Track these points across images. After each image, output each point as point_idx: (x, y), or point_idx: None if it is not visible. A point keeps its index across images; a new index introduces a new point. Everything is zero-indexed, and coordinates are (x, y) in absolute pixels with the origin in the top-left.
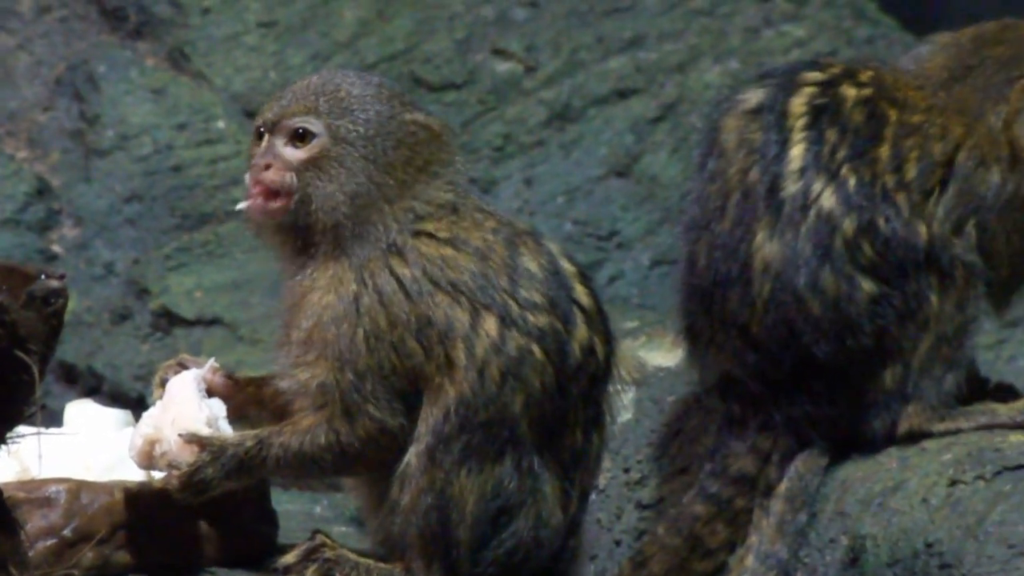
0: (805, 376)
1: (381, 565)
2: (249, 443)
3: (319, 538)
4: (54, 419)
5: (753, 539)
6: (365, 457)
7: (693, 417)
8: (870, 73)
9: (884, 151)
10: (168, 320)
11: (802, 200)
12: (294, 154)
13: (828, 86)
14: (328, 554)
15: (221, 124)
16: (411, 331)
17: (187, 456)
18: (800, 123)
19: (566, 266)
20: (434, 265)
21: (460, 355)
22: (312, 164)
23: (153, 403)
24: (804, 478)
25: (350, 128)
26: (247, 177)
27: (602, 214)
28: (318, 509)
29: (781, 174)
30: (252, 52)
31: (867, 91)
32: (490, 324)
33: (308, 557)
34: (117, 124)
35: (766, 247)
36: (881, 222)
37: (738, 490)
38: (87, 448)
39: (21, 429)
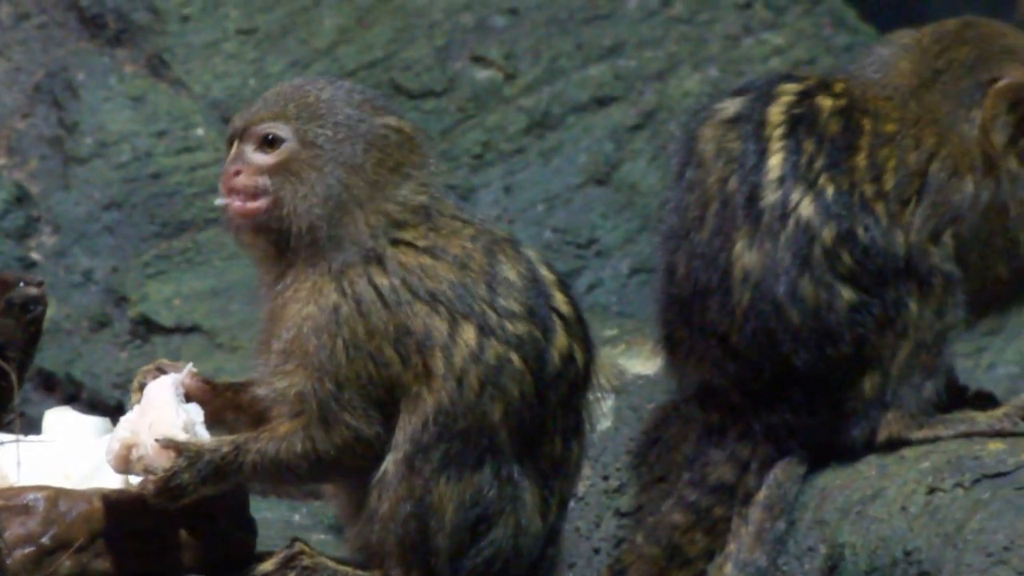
0: (784, 385)
1: (360, 573)
2: (226, 449)
3: (298, 546)
4: (33, 426)
5: (732, 547)
6: (341, 465)
7: (672, 425)
8: (842, 84)
9: (861, 160)
10: (147, 327)
11: (781, 209)
12: (264, 159)
13: (805, 96)
14: (307, 562)
15: (200, 131)
16: (389, 340)
17: (163, 461)
18: (778, 132)
19: (545, 274)
20: (413, 275)
21: (438, 364)
22: (282, 168)
23: (131, 407)
24: (783, 486)
25: (319, 132)
26: (220, 184)
27: (581, 222)
28: (297, 517)
29: (760, 183)
30: (231, 59)
31: (842, 101)
32: (468, 333)
33: (287, 565)
34: (96, 131)
35: (745, 256)
36: (860, 231)
37: (717, 499)
38: (66, 456)
39: None
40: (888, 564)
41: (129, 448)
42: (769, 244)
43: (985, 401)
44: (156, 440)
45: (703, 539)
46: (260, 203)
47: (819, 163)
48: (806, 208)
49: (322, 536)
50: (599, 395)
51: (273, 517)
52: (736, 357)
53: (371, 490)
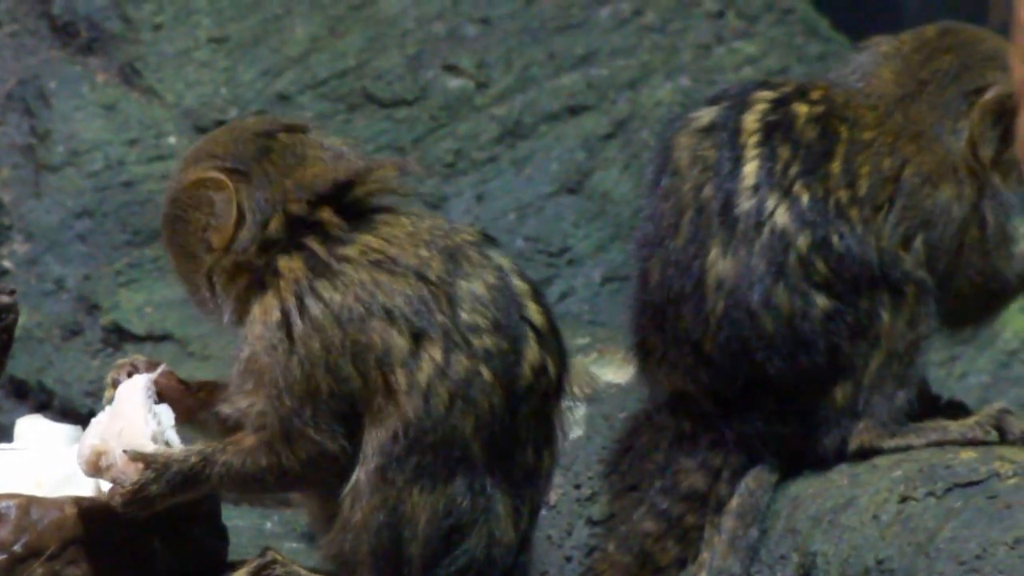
0: (756, 393)
1: None
2: (193, 460)
3: (270, 554)
4: (4, 434)
5: (705, 555)
6: (306, 479)
7: (644, 434)
8: (820, 91)
9: (836, 167)
10: (119, 336)
11: (756, 217)
12: None
13: (780, 103)
14: (279, 571)
15: (172, 140)
16: (346, 356)
17: (132, 474)
18: (753, 140)
19: (517, 283)
20: (365, 291)
21: (401, 380)
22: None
23: (106, 400)
24: (755, 494)
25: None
26: None
27: (553, 230)
28: (269, 525)
29: (735, 191)
30: (203, 68)
31: (819, 108)
32: (432, 349)
33: (259, 573)
34: (68, 140)
35: (720, 264)
36: (835, 239)
37: (688, 507)
38: (38, 463)
39: None
40: (860, 573)
41: (99, 455)
42: (744, 252)
43: (957, 410)
44: (124, 451)
45: (675, 547)
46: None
47: (794, 170)
48: (781, 216)
49: (294, 544)
50: (571, 404)
51: (244, 525)
52: (709, 365)
53: (343, 499)
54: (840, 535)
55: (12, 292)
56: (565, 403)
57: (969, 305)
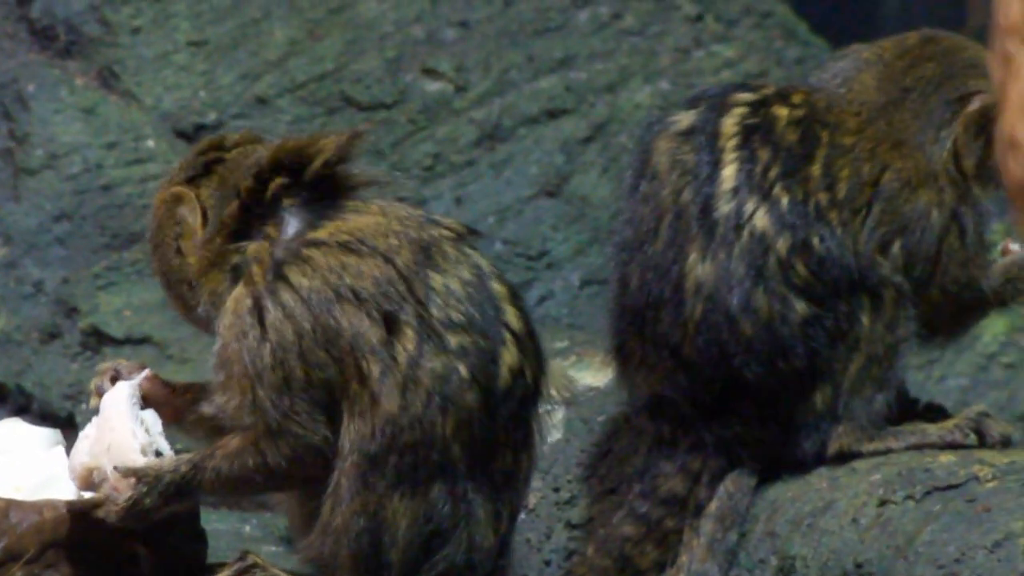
0: (735, 397)
1: None
2: (184, 468)
3: (250, 558)
4: None
5: (684, 559)
6: (293, 475)
7: (623, 437)
8: (801, 95)
9: (816, 170)
10: (97, 339)
11: (735, 220)
12: None
13: (759, 106)
14: (258, 574)
15: (151, 143)
16: (319, 342)
17: (125, 489)
18: (732, 143)
19: (496, 286)
20: (333, 274)
21: (373, 368)
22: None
23: (90, 408)
24: (734, 498)
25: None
26: None
27: (532, 234)
28: (247, 528)
29: (714, 194)
30: (182, 71)
31: (799, 112)
32: (405, 340)
33: None
34: (46, 143)
35: (699, 268)
36: (815, 241)
37: (667, 510)
38: (16, 467)
39: None
40: None
41: (91, 471)
42: (723, 255)
43: (936, 414)
44: (115, 468)
45: (654, 551)
46: None
47: (774, 172)
48: (761, 219)
49: (273, 548)
50: (550, 407)
51: (224, 528)
52: (688, 369)
53: (324, 502)
54: (819, 538)
55: None
56: (543, 407)
57: (943, 315)
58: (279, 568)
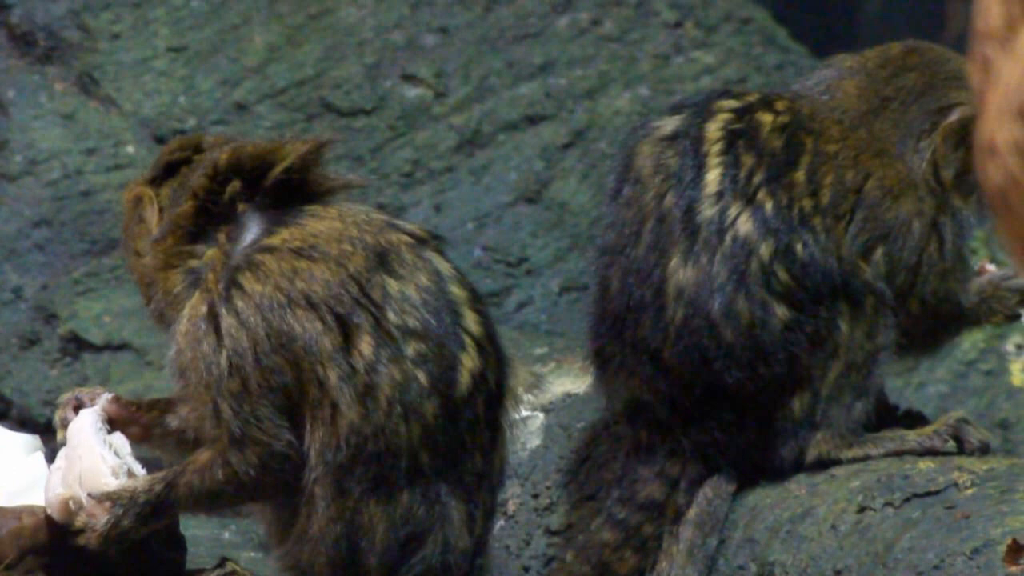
0: (714, 403)
1: None
2: (158, 488)
3: (229, 565)
4: None
5: (663, 565)
6: (264, 484)
7: (602, 443)
8: (785, 102)
9: (800, 176)
10: (77, 345)
11: (718, 224)
12: None
13: (744, 112)
14: None
15: (130, 149)
16: (274, 347)
17: (102, 515)
18: (716, 148)
19: (455, 291)
20: (284, 279)
21: (331, 375)
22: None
23: (59, 443)
24: (713, 504)
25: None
26: None
27: (511, 240)
28: (227, 535)
29: (697, 198)
30: (161, 77)
31: (784, 118)
32: (362, 345)
33: None
34: (26, 149)
35: (680, 272)
36: (799, 247)
37: (646, 516)
38: None
39: None
40: None
41: (66, 501)
42: (705, 260)
43: (915, 420)
44: (90, 495)
45: (633, 557)
46: None
47: (758, 177)
48: (744, 223)
49: (252, 554)
50: (527, 413)
51: (203, 535)
52: (667, 373)
53: (300, 509)
54: (798, 545)
55: None
56: (511, 407)
57: (920, 327)
58: (258, 575)
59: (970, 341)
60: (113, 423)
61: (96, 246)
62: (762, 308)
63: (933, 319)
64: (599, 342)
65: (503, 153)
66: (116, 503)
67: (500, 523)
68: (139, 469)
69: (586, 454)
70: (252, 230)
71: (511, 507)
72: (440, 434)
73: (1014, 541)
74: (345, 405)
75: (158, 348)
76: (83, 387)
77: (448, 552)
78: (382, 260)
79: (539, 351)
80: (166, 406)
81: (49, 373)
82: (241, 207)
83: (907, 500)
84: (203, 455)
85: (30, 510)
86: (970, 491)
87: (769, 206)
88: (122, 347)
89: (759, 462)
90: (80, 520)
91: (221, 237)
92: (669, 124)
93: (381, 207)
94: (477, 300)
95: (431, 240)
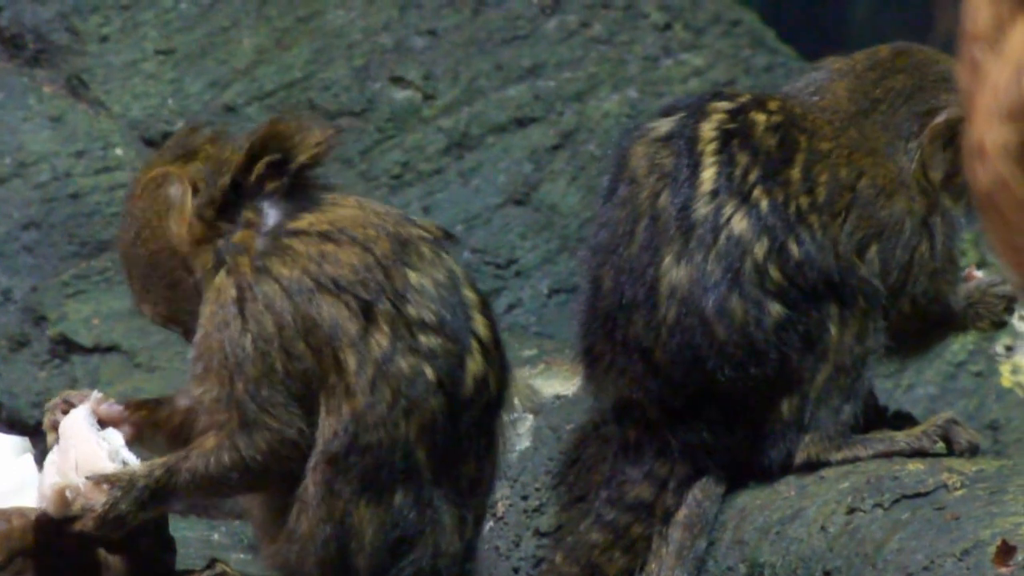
0: (703, 403)
1: None
2: (158, 472)
3: (218, 566)
4: None
5: (652, 566)
6: (270, 470)
7: (591, 445)
8: (777, 102)
9: (795, 173)
10: (66, 347)
11: (713, 222)
12: None
13: (737, 112)
14: None
15: (119, 151)
16: (299, 333)
17: (99, 497)
18: (711, 147)
19: (468, 294)
20: (312, 263)
21: (351, 359)
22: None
23: (49, 447)
24: (702, 505)
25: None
26: None
27: (500, 242)
28: (216, 536)
29: (692, 197)
30: (150, 79)
31: (777, 118)
32: (379, 334)
33: None
34: (15, 151)
35: (673, 271)
36: (794, 245)
37: (635, 517)
38: None
39: None
40: None
41: (62, 491)
42: (699, 258)
43: (904, 421)
44: (87, 478)
45: (622, 558)
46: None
47: (753, 176)
48: (739, 222)
49: (242, 555)
50: (517, 416)
51: (192, 536)
52: (658, 372)
53: (290, 508)
54: (787, 546)
55: None
56: (506, 414)
57: (910, 329)
58: None
59: (959, 343)
60: (103, 423)
61: (85, 248)
62: (756, 307)
63: (923, 320)
64: (589, 340)
65: (492, 155)
66: (115, 485)
67: (489, 525)
68: (135, 461)
69: (575, 456)
70: (274, 215)
71: (500, 509)
72: (439, 434)
73: (1003, 542)
74: (359, 391)
75: (147, 350)
76: (72, 389)
77: (438, 556)
78: (404, 249)
79: (528, 353)
80: (155, 406)
81: (38, 375)
82: (270, 185)
83: (896, 501)
84: (209, 440)
85: (19, 512)
86: (959, 492)
87: (765, 204)
88: (111, 349)
89: (747, 464)
90: (77, 505)
91: (249, 216)
92: (663, 125)
93: None
94: (486, 306)
95: (444, 238)
